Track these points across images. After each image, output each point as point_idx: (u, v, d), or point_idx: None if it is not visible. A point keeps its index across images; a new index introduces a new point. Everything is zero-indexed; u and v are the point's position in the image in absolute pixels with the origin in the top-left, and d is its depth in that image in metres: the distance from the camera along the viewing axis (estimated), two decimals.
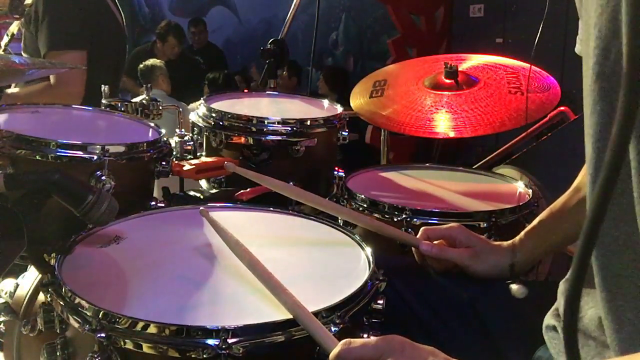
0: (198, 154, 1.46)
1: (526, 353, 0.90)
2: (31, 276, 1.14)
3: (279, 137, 1.38)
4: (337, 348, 0.67)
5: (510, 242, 1.10)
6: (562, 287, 0.87)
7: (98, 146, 1.11)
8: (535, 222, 1.10)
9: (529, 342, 0.91)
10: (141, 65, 4.35)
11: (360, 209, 1.35)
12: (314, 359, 0.73)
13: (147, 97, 1.53)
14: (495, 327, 0.97)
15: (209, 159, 1.39)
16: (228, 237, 0.92)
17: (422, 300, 1.02)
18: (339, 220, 1.17)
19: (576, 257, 0.38)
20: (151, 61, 4.42)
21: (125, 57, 2.55)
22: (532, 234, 1.08)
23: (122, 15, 2.45)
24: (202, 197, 1.36)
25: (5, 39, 2.19)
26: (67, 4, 2.18)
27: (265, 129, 1.39)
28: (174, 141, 1.40)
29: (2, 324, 1.10)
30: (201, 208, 1.01)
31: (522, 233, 1.10)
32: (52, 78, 2.17)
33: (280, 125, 1.39)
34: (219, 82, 5.11)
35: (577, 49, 0.81)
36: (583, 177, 1.05)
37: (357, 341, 0.68)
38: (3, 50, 2.14)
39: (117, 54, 2.43)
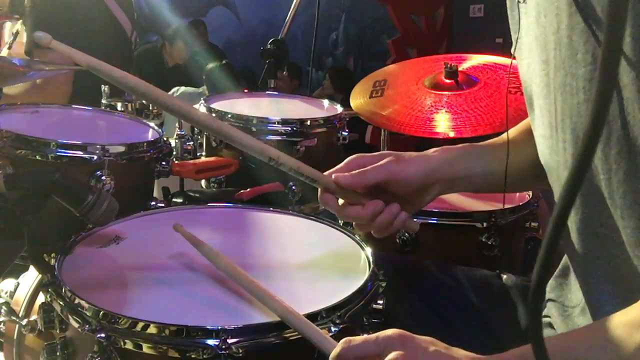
0: (198, 154, 1.46)
1: None
2: (31, 276, 1.14)
3: (279, 137, 1.38)
4: (338, 347, 0.67)
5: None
6: (550, 285, 0.88)
7: (98, 146, 1.11)
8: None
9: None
10: None
11: None
12: (314, 359, 0.73)
13: None
14: (496, 325, 0.97)
15: (209, 159, 1.39)
16: (207, 250, 0.89)
17: (422, 299, 1.02)
18: (339, 221, 1.17)
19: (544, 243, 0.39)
20: None
21: (129, 59, 2.53)
22: (449, 150, 0.98)
23: (132, 18, 2.41)
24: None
25: (10, 38, 2.18)
26: (53, 3, 2.16)
27: (265, 129, 1.39)
28: (174, 141, 1.40)
29: (2, 324, 1.09)
30: (175, 223, 0.94)
31: (438, 148, 0.98)
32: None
33: (280, 125, 1.39)
34: (215, 73, 5.06)
35: None
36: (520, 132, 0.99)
37: (357, 339, 0.68)
38: (8, 48, 2.14)
39: (119, 56, 2.41)
